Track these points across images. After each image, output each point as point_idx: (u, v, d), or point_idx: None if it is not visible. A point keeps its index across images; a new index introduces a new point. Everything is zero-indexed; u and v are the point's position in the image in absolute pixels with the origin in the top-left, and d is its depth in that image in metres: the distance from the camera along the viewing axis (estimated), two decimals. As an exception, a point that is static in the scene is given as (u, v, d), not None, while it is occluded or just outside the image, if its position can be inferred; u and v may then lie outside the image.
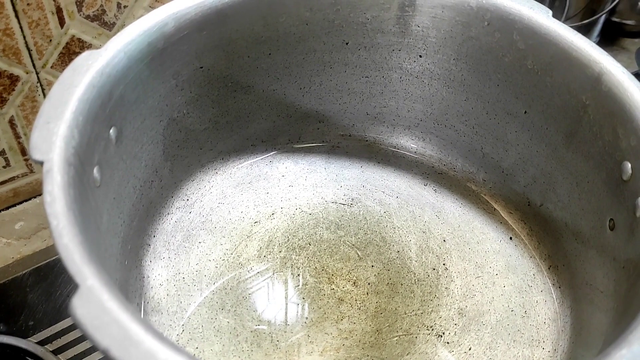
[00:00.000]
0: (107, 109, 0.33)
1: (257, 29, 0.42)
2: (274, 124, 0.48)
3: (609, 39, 0.77)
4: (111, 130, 0.34)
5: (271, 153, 0.49)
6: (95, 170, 0.32)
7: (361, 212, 0.46)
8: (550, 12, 0.38)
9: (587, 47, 0.36)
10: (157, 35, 0.37)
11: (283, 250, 0.43)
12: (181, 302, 0.40)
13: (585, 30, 0.70)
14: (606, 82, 0.35)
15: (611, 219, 0.35)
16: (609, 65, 0.35)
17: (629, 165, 0.33)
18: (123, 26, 0.53)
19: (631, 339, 0.24)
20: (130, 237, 0.39)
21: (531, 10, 0.39)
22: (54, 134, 0.28)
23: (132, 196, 0.39)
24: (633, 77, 0.34)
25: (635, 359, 0.23)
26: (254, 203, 0.46)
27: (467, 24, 0.41)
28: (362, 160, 0.49)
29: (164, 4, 0.45)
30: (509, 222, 0.45)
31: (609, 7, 0.69)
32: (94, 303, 0.23)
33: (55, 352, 0.44)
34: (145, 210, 0.41)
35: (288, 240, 0.44)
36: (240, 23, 0.41)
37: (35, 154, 0.28)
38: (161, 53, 0.37)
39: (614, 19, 0.77)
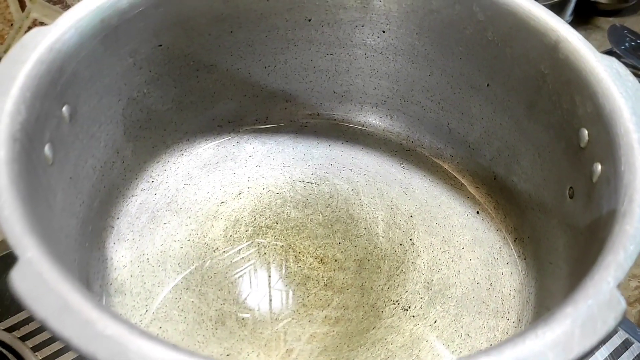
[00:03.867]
0: (57, 86, 0.33)
1: (216, 6, 0.41)
2: (240, 104, 0.48)
3: (583, 18, 0.77)
4: (64, 108, 0.34)
5: (238, 133, 0.49)
6: (46, 147, 0.31)
7: (329, 190, 0.46)
8: (508, -18, 0.38)
9: (544, 16, 0.36)
10: (111, 12, 0.36)
11: (250, 230, 0.43)
12: (145, 283, 0.39)
13: (558, 9, 0.69)
14: (563, 49, 0.35)
15: (570, 187, 0.35)
16: (565, 32, 0.35)
17: (586, 132, 0.33)
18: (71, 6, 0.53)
19: (576, 297, 0.24)
20: (90, 218, 0.38)
21: (489, -20, 0.38)
22: (-2, 110, 0.28)
23: (92, 177, 0.38)
24: (589, 44, 0.34)
25: (579, 317, 0.23)
26: (221, 183, 0.46)
27: (428, -3, 0.41)
28: (330, 139, 0.49)
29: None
30: (476, 196, 0.45)
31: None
32: (33, 274, 0.23)
33: (24, 339, 0.44)
34: (107, 192, 0.41)
35: (255, 219, 0.44)
36: (199, 0, 0.40)
37: (-21, 129, 0.27)
38: (115, 30, 0.37)
39: (587, -4, 0.77)
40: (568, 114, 0.35)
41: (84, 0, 0.35)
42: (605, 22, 0.78)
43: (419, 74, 0.45)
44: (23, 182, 0.27)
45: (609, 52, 0.75)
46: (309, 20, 0.44)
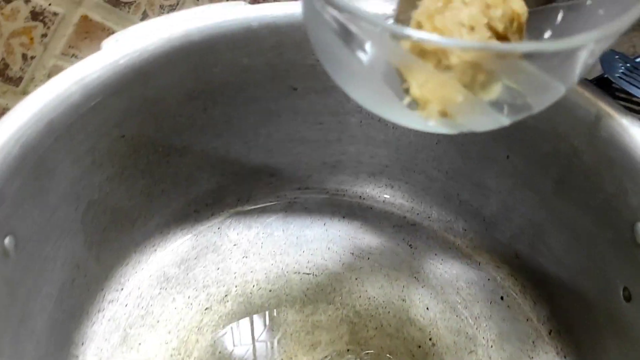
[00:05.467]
0: (-3, 217, 0.26)
1: (187, 84, 0.35)
2: (219, 184, 0.41)
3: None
4: (6, 241, 0.27)
5: (218, 218, 0.42)
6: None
7: (329, 282, 0.40)
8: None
9: (577, 87, 0.31)
10: (61, 110, 0.29)
11: (241, 342, 0.37)
12: None
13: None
14: (606, 127, 0.30)
15: (625, 288, 0.30)
16: (607, 106, 0.30)
17: (645, 228, 0.28)
18: (32, 80, 0.46)
19: None
20: (48, 357, 0.31)
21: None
22: None
23: (48, 307, 0.31)
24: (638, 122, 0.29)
25: None
26: (203, 284, 0.39)
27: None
28: (324, 215, 0.43)
29: (78, 49, 0.38)
30: (498, 278, 0.40)
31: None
32: None
33: None
34: (69, 316, 0.34)
35: (246, 328, 0.37)
36: (166, 80, 0.34)
37: None
38: (69, 129, 0.30)
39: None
40: (616, 201, 0.30)
41: (25, 101, 0.28)
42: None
43: (423, 142, 0.40)
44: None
45: (600, 78, 0.71)
46: (295, 89, 0.38)
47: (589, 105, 0.30)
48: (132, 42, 0.32)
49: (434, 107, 0.22)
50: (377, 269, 0.40)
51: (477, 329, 0.37)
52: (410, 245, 0.42)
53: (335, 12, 0.21)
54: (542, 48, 0.20)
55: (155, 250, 0.40)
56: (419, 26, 0.24)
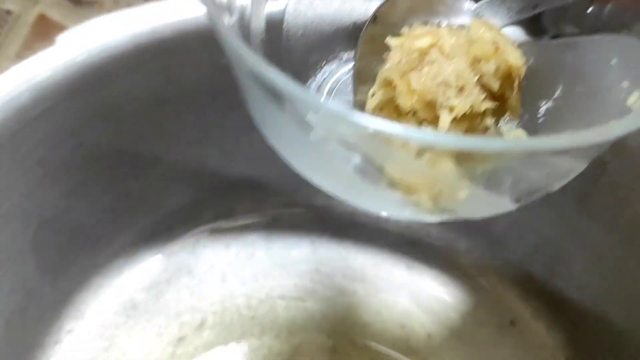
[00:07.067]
0: None
1: (156, 87, 0.31)
2: (194, 199, 0.37)
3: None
4: None
5: (194, 236, 0.38)
6: None
7: (319, 308, 0.35)
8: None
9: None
10: (6, 114, 0.25)
11: (220, 377, 0.32)
12: None
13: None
14: (635, 135, 0.26)
15: (663, 318, 0.26)
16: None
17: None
18: (-14, 82, 0.41)
19: None
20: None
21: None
22: None
23: (-9, 344, 0.27)
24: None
25: None
26: (175, 311, 0.35)
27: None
28: (311, 234, 0.39)
29: (35, 52, 0.33)
30: (507, 300, 0.36)
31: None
32: None
33: None
34: (21, 350, 0.29)
35: (225, 360, 0.33)
36: (131, 82, 0.29)
37: None
38: (14, 136, 0.26)
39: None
40: (649, 218, 0.26)
41: (-42, 103, 0.24)
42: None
43: (422, 150, 0.36)
44: None
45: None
46: (280, 92, 0.34)
47: (617, 108, 0.26)
48: (91, 38, 0.28)
49: (421, 196, 0.18)
50: (372, 293, 0.36)
51: (486, 357, 0.33)
52: (408, 267, 0.38)
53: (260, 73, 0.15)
54: (588, 140, 0.15)
55: (121, 273, 0.35)
56: (389, 86, 0.20)
